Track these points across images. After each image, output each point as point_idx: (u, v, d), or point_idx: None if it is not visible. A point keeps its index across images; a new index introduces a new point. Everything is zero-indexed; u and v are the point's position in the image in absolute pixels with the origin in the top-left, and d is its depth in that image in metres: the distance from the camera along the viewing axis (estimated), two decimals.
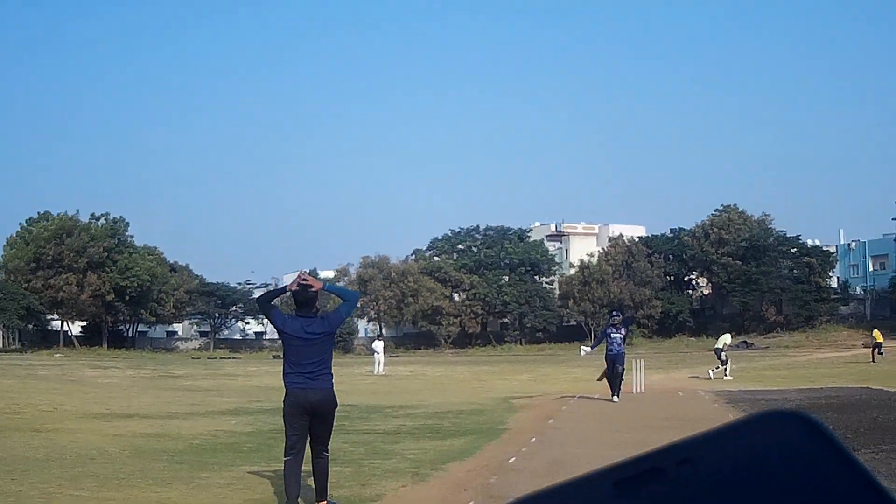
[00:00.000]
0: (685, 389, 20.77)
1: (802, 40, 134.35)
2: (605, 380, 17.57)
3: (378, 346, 35.18)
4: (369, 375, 31.76)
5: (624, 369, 17.59)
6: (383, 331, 68.45)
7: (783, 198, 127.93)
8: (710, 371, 26.02)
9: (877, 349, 34.84)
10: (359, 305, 67.63)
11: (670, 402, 16.94)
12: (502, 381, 27.56)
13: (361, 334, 73.89)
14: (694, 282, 72.81)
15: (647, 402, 17.32)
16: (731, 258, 66.05)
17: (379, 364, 33.80)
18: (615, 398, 16.85)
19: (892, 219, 70.59)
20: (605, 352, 17.59)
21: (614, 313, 18.72)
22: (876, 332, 36.41)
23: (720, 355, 26.19)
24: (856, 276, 77.68)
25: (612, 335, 17.40)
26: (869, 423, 12.14)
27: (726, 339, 27.97)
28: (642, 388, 19.92)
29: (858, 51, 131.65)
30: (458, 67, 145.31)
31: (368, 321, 72.70)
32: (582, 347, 23.88)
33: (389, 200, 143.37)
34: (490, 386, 25.32)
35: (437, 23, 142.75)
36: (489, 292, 69.33)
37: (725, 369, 25.53)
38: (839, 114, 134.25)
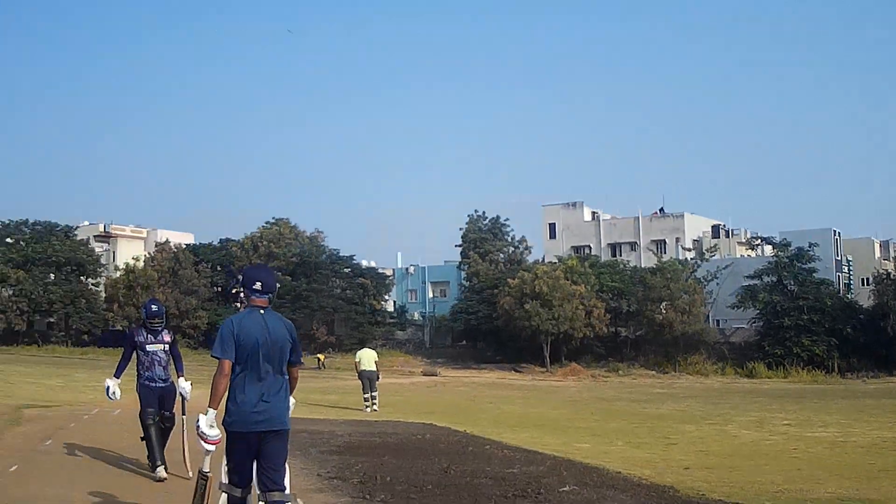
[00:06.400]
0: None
1: None
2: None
3: None
4: None
5: (172, 415, 9.29)
6: None
7: (337, 217, 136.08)
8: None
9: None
10: None
11: None
12: (29, 386, 25.82)
13: None
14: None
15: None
16: (280, 273, 64.04)
17: None
18: (159, 471, 8.77)
19: (455, 245, 70.13)
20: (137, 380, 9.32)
21: (153, 307, 9.41)
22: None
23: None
24: (414, 301, 76.85)
25: (149, 347, 9.24)
26: (438, 476, 9.58)
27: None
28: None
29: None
30: None
31: None
32: (108, 385, 9.58)
33: None
34: (13, 391, 23.33)
35: None
36: (35, 289, 65.09)
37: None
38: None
